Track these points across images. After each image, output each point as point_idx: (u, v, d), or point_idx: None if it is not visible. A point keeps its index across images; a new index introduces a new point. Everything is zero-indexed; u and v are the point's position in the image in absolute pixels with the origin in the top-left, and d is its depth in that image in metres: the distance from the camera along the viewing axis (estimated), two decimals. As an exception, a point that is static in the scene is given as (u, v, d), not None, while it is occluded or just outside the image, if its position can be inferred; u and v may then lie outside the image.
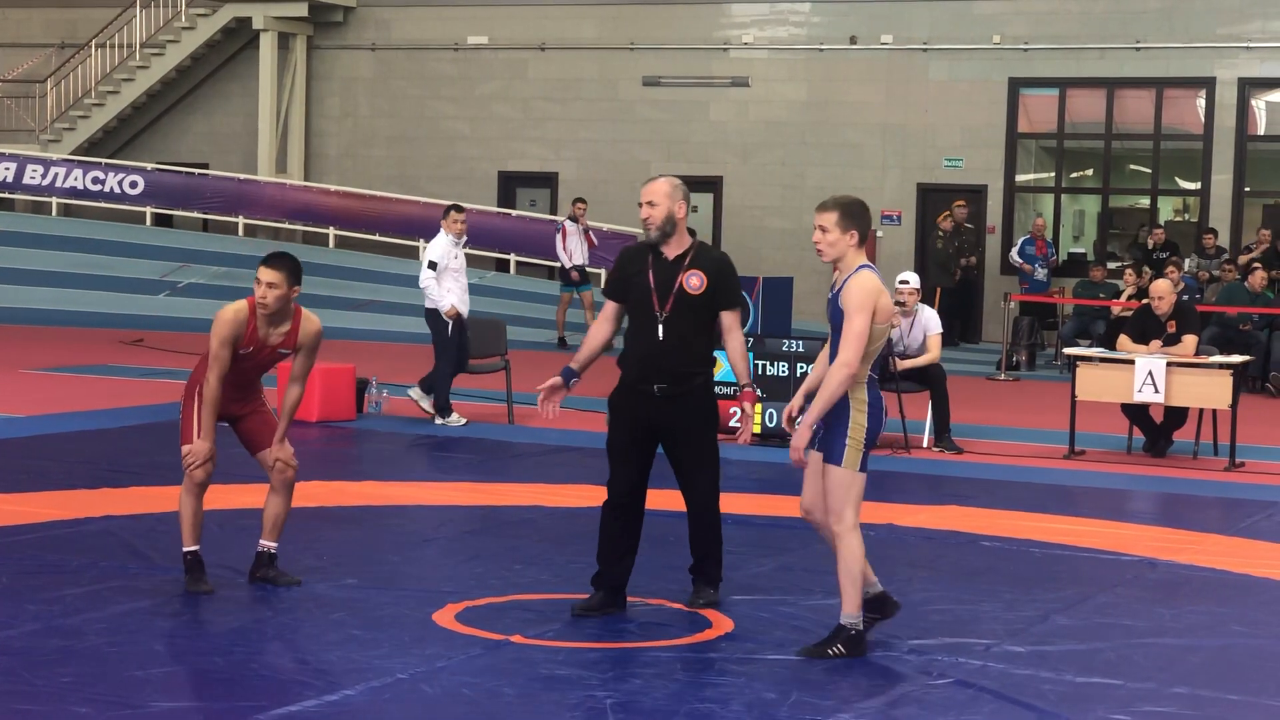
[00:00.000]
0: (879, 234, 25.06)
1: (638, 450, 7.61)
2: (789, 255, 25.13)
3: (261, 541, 8.07)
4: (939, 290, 22.27)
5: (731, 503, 10.63)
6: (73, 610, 7.37)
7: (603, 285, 7.83)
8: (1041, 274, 23.03)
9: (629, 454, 7.59)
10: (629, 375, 7.60)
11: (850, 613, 6.93)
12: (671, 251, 7.55)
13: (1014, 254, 23.33)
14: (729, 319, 7.63)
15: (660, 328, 7.50)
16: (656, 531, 9.44)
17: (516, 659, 6.85)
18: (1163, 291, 13.78)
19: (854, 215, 6.96)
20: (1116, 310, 20.41)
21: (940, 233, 23.47)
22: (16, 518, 9.46)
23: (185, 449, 7.82)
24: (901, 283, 14.07)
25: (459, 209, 14.52)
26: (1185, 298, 17.10)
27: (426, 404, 14.35)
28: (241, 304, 7.79)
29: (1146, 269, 21.27)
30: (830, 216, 6.95)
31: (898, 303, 13.95)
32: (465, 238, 14.51)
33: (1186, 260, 21.87)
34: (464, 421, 14.26)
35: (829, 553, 7.01)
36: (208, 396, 7.73)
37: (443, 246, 14.31)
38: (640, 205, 7.61)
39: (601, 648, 7.05)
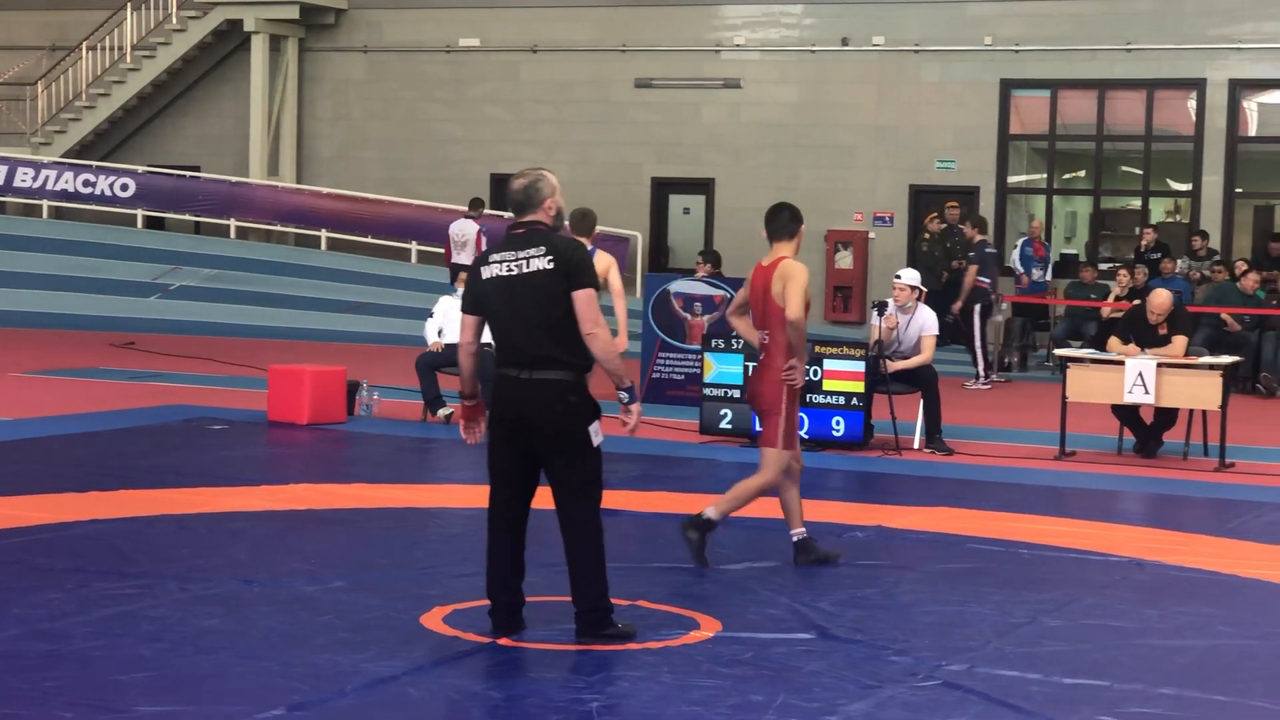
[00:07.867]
0: (871, 235, 25.06)
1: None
2: (781, 257, 25.04)
3: (795, 530, 8.94)
4: (923, 293, 22.19)
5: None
6: (59, 614, 7.35)
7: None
8: (1040, 275, 22.99)
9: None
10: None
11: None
12: None
13: (1014, 258, 23.23)
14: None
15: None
16: (644, 532, 9.44)
17: (504, 661, 6.85)
18: (1161, 310, 13.65)
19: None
20: (1107, 311, 20.41)
21: (926, 235, 23.42)
22: (4, 521, 9.43)
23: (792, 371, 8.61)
24: (895, 278, 14.09)
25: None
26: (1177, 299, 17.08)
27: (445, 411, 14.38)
28: None
29: (1140, 268, 21.21)
30: None
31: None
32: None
33: (1178, 261, 21.87)
34: (449, 414, 14.37)
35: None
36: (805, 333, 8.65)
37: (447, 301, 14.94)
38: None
39: (588, 650, 7.03)
